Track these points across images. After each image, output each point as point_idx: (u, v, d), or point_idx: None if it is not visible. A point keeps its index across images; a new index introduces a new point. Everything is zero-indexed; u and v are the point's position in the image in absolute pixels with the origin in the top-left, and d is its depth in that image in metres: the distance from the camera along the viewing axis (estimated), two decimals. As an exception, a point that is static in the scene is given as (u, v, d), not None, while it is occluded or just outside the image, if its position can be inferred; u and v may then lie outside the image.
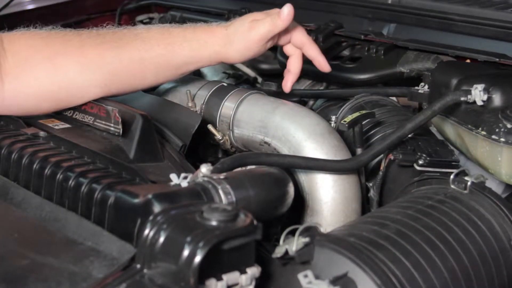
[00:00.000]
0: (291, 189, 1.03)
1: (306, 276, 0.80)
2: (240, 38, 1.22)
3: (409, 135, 1.19)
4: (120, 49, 1.20)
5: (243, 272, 0.79)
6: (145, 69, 1.22)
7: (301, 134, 1.17)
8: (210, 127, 1.29)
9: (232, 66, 1.76)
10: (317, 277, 0.80)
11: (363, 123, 1.22)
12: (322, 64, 1.29)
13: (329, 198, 1.13)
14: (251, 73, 1.75)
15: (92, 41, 1.20)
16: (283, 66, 1.58)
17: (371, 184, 1.21)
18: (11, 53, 1.16)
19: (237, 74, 1.70)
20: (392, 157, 1.14)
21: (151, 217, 0.80)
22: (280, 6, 1.75)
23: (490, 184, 1.11)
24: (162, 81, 1.29)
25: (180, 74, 1.27)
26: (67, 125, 1.19)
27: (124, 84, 1.23)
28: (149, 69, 1.22)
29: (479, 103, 1.13)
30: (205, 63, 1.26)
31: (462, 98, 1.14)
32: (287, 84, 1.31)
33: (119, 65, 1.20)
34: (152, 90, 1.44)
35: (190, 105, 1.33)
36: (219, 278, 0.77)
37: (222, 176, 0.94)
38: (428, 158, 1.13)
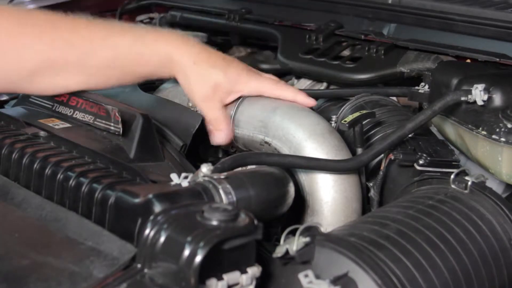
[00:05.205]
0: (291, 189, 1.03)
1: (306, 275, 0.80)
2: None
3: (410, 135, 1.19)
4: (88, 58, 1.19)
5: (243, 271, 0.79)
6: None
7: (301, 134, 1.17)
8: (210, 127, 1.29)
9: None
10: (317, 276, 0.80)
11: (364, 123, 1.22)
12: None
13: (330, 198, 1.13)
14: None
15: (62, 45, 1.18)
16: (283, 66, 1.59)
17: (371, 184, 1.21)
18: None
19: (237, 74, 1.69)
20: (392, 157, 1.14)
21: (151, 217, 0.80)
22: (280, 6, 1.77)
23: (491, 184, 1.11)
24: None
25: (132, 78, 1.25)
26: (67, 125, 1.19)
27: (87, 86, 1.23)
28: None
29: (480, 103, 1.13)
30: (155, 69, 1.23)
31: (463, 98, 1.14)
32: None
33: (85, 71, 1.19)
34: (152, 90, 1.44)
35: (190, 104, 1.33)
36: (220, 278, 0.77)
37: (222, 176, 0.94)
38: (428, 158, 1.13)
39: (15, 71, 1.18)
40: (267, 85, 1.26)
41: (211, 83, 1.21)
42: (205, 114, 1.24)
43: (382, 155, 1.17)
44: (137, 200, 0.88)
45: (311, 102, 1.27)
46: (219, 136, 1.23)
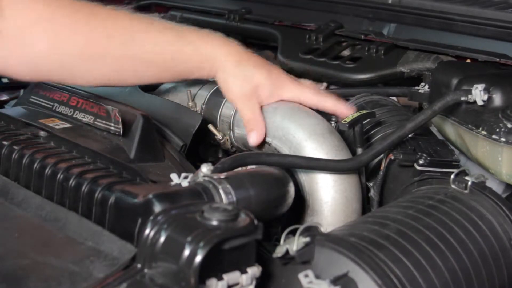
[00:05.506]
0: (291, 189, 1.03)
1: (306, 275, 0.80)
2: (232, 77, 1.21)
3: (410, 135, 1.19)
4: (128, 49, 1.17)
5: (243, 271, 0.79)
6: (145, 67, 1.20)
7: (301, 134, 1.17)
8: (210, 127, 1.29)
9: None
10: (317, 276, 0.80)
11: (364, 123, 1.22)
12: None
13: (330, 198, 1.13)
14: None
15: (100, 33, 1.15)
16: (283, 66, 1.59)
17: (371, 184, 1.21)
18: (11, 15, 1.11)
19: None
20: (392, 157, 1.14)
21: (151, 217, 0.80)
22: (280, 6, 1.77)
23: (491, 184, 1.11)
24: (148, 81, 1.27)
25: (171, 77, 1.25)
26: (68, 125, 1.19)
27: (121, 79, 1.21)
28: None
29: (480, 103, 1.13)
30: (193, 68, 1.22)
31: (463, 98, 1.14)
32: None
33: (123, 62, 1.17)
34: (152, 90, 1.44)
35: (190, 105, 1.33)
36: (220, 278, 0.77)
37: (222, 175, 0.94)
38: (428, 158, 1.13)
39: (51, 60, 1.15)
40: (308, 93, 1.24)
41: (253, 83, 1.20)
42: (242, 114, 1.22)
43: (382, 155, 1.17)
44: (137, 200, 0.88)
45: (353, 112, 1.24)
46: (252, 136, 1.21)
